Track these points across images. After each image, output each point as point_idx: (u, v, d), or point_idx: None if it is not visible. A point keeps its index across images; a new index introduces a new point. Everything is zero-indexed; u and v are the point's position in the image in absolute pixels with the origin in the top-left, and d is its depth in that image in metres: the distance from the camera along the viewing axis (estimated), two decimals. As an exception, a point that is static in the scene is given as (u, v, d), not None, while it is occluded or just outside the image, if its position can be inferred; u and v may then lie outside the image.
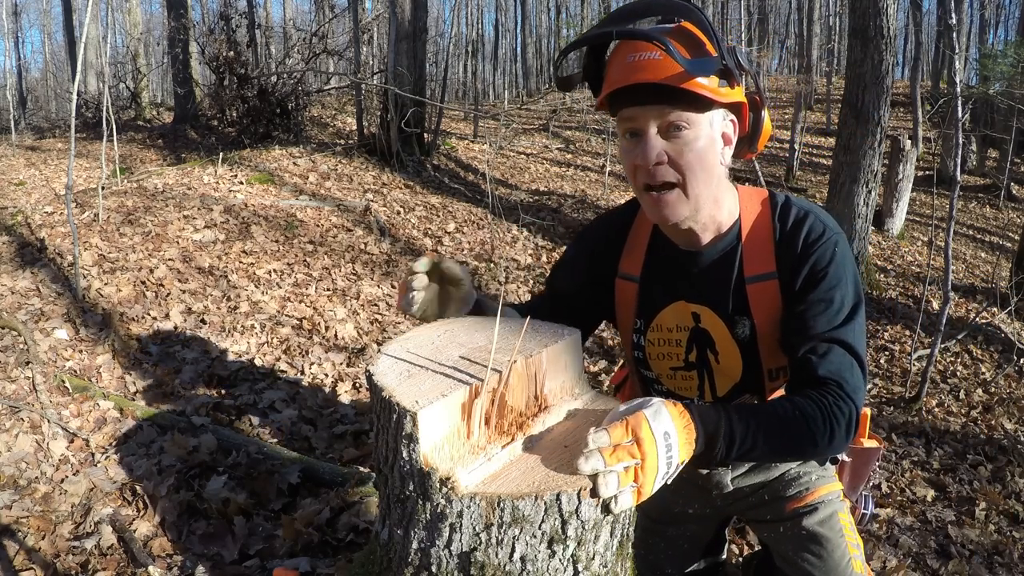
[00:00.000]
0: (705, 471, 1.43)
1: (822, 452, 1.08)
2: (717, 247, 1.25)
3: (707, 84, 1.08)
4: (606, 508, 0.87)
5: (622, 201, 1.58)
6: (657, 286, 1.31)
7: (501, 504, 0.84)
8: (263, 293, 3.87)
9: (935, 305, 5.45)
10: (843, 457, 1.46)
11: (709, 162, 1.15)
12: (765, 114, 1.21)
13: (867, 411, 1.45)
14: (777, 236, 1.22)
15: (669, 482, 0.93)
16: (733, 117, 1.18)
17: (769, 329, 1.23)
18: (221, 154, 6.86)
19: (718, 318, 1.26)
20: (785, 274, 1.20)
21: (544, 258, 5.51)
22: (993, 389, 4.02)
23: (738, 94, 1.15)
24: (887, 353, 4.45)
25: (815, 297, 1.16)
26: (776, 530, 1.37)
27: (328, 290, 4.13)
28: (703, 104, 1.10)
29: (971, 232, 9.35)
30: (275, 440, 2.51)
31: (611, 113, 1.19)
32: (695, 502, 1.50)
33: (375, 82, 8.24)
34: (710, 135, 1.14)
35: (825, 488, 1.35)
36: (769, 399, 1.30)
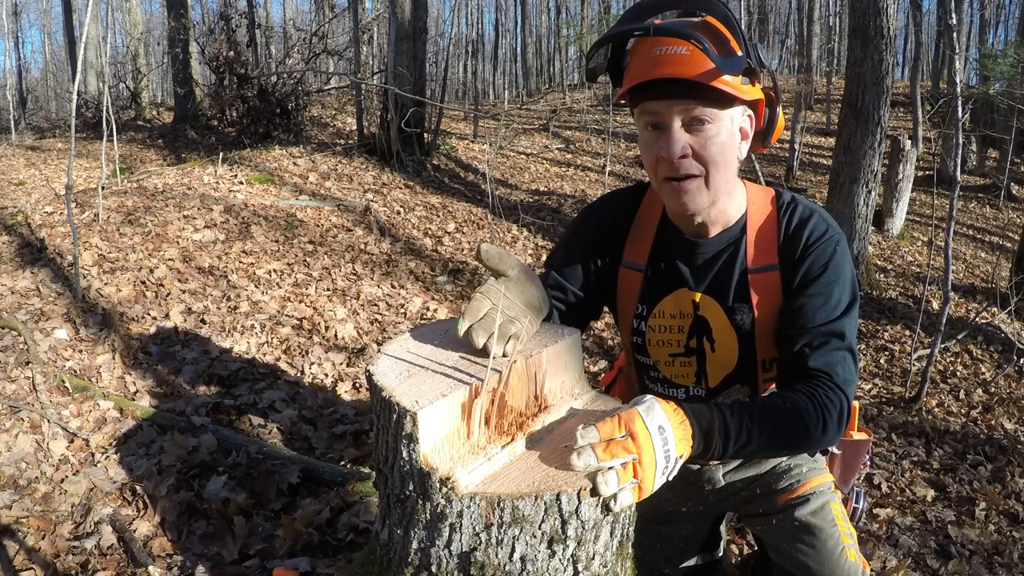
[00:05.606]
0: (696, 467, 1.45)
1: (816, 444, 1.10)
2: (723, 238, 1.28)
3: (732, 82, 1.10)
4: (606, 507, 0.87)
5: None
6: (662, 273, 1.33)
7: (501, 504, 0.84)
8: (263, 293, 3.87)
9: (935, 305, 5.45)
10: (834, 450, 1.48)
11: (729, 156, 1.17)
12: (779, 109, 1.24)
13: (856, 404, 1.47)
14: (781, 231, 1.25)
15: (670, 478, 0.93)
16: (751, 112, 1.21)
17: (768, 319, 1.26)
18: (221, 154, 6.86)
19: (718, 306, 1.29)
20: (787, 268, 1.24)
21: (544, 258, 5.52)
22: (993, 389, 4.02)
23: (758, 91, 1.17)
24: (887, 353, 4.45)
25: (814, 291, 1.19)
26: (769, 523, 1.38)
27: (328, 290, 4.13)
28: (726, 101, 1.12)
29: (971, 232, 9.35)
30: (275, 440, 2.51)
31: (631, 105, 1.20)
32: (688, 500, 1.51)
33: (375, 82, 8.24)
34: (730, 130, 1.16)
35: (816, 480, 1.37)
36: (760, 395, 1.32)
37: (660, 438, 0.90)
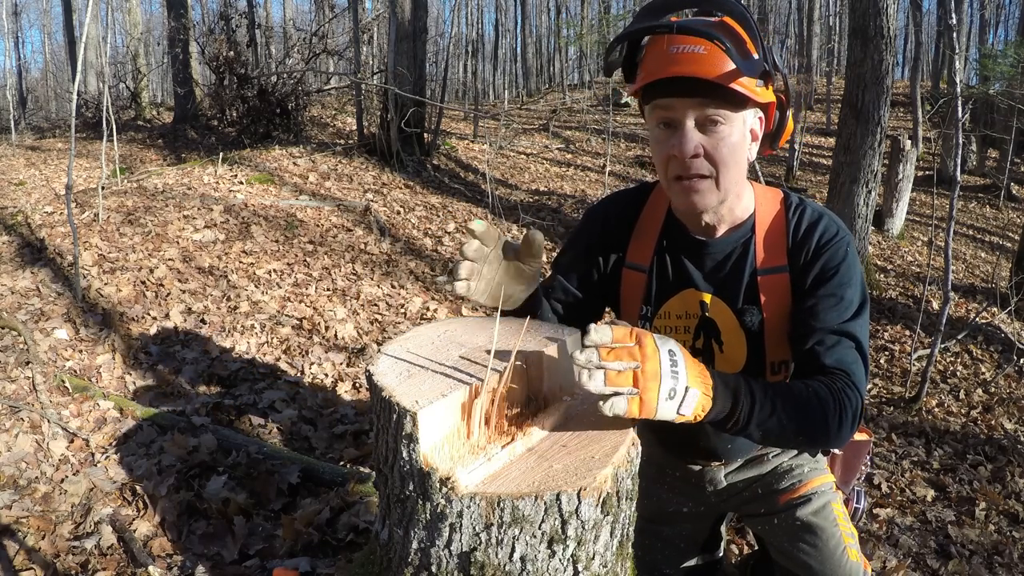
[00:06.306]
0: (698, 468, 1.44)
1: (832, 435, 1.08)
2: (731, 238, 1.28)
3: (748, 84, 1.10)
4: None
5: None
6: (668, 273, 1.32)
7: (501, 504, 0.84)
8: (263, 293, 3.87)
9: (935, 305, 5.45)
10: (834, 450, 1.47)
11: (739, 157, 1.18)
12: (789, 113, 1.24)
13: None
14: (791, 233, 1.25)
15: (680, 411, 0.90)
16: (762, 115, 1.21)
17: (777, 321, 1.25)
18: (221, 154, 6.86)
19: (727, 307, 1.28)
20: (796, 270, 1.23)
21: (544, 258, 5.51)
22: (993, 389, 4.02)
23: (770, 94, 1.17)
24: (887, 353, 4.45)
25: (825, 292, 1.19)
26: (770, 523, 1.38)
27: (328, 290, 4.13)
28: (740, 102, 1.12)
29: (971, 232, 9.35)
30: (275, 440, 2.51)
31: (642, 102, 1.20)
32: (689, 500, 1.51)
33: (375, 82, 8.24)
34: (742, 131, 1.17)
35: (818, 480, 1.37)
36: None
37: (669, 359, 0.88)
